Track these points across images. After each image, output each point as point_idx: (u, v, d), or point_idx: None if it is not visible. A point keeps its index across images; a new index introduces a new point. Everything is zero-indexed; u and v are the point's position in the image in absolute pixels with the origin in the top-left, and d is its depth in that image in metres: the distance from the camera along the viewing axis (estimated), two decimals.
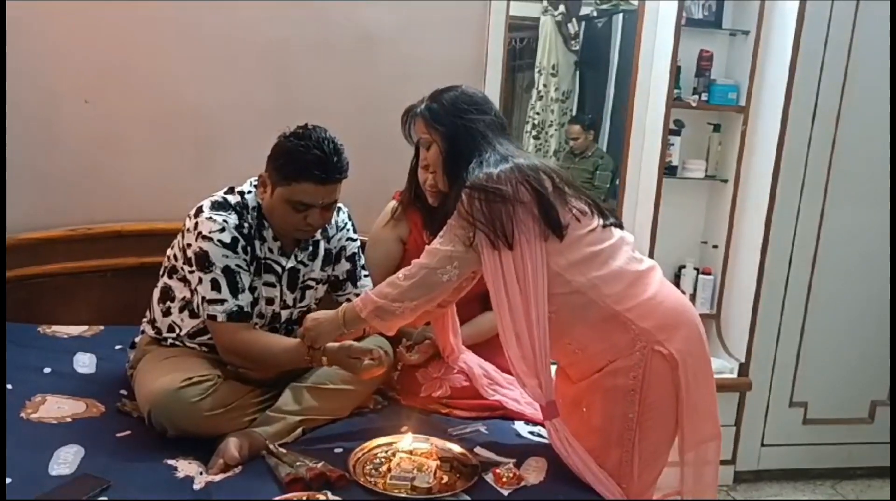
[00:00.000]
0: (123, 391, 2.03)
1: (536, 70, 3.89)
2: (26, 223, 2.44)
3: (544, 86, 3.91)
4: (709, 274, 2.97)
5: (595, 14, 4.13)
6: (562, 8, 4.07)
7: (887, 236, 2.84)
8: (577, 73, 4.19)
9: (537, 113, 3.90)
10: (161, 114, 2.53)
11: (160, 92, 2.52)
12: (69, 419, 1.85)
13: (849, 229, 2.81)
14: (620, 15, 3.97)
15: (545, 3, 3.89)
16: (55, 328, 2.39)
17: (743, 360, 2.82)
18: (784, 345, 2.86)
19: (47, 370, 2.10)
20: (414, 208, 2.24)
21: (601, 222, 1.73)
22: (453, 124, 1.76)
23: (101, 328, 2.42)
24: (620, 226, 1.80)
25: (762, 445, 2.91)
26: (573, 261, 1.67)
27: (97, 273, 2.50)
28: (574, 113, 4.04)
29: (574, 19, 4.21)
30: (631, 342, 1.65)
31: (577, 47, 4.17)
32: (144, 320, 2.08)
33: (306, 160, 1.82)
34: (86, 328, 2.41)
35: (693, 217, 3.05)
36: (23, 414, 1.85)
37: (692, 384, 1.66)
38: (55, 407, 1.90)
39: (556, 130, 3.90)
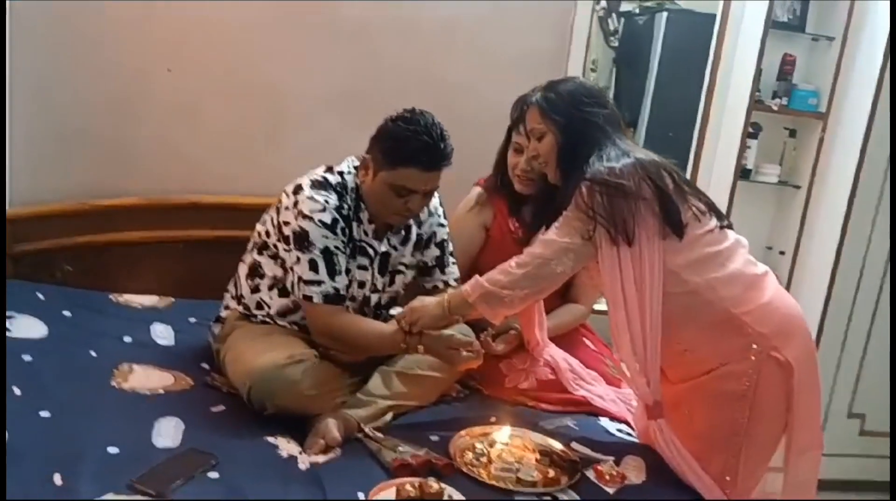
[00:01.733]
0: (205, 365, 2.01)
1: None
2: (103, 190, 2.41)
3: None
4: None
5: (637, 11, 4.09)
6: (603, 3, 4.03)
7: None
8: (615, 69, 4.16)
9: None
10: (239, 88, 2.50)
11: (239, 66, 2.48)
12: (161, 391, 1.83)
13: None
14: (664, 14, 3.94)
15: None
16: (127, 296, 2.36)
17: None
18: (848, 356, 2.84)
19: (127, 339, 2.09)
20: (499, 194, 2.23)
21: (717, 223, 1.71)
22: (572, 116, 1.73)
23: (172, 299, 2.40)
24: (732, 228, 1.77)
25: None
26: (691, 261, 1.64)
27: (170, 244, 2.47)
28: None
29: (614, 15, 4.18)
30: (745, 346, 1.62)
31: (616, 44, 4.14)
32: (228, 295, 2.06)
33: (414, 146, 1.79)
34: (157, 299, 2.39)
35: (760, 222, 3.03)
36: (114, 383, 1.84)
37: (803, 392, 1.64)
38: (144, 378, 1.88)
39: None
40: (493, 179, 2.24)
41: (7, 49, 2.19)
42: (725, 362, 1.65)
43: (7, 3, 2.10)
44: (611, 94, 4.05)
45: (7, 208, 2.25)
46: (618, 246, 1.61)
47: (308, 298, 1.83)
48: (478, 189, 2.27)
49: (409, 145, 1.79)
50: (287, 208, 1.87)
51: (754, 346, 1.62)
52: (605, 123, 1.72)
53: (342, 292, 1.85)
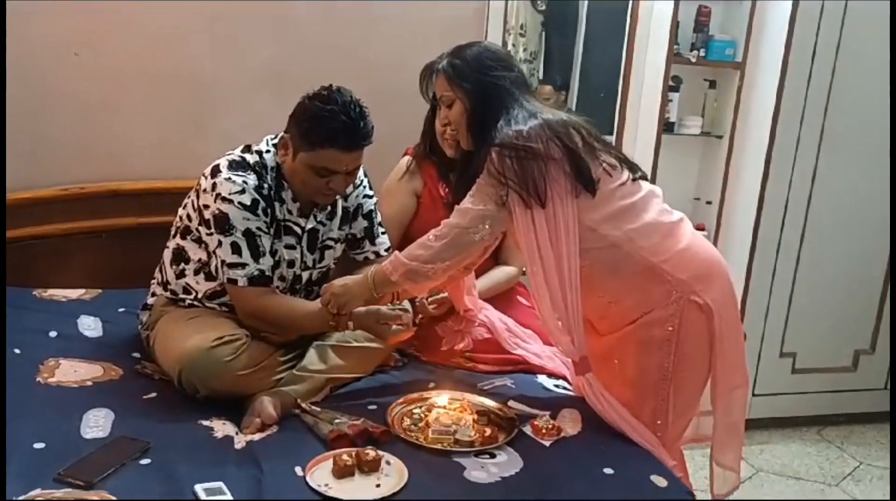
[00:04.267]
0: (136, 354, 1.98)
1: (504, 30, 3.87)
2: (18, 182, 2.33)
3: (513, 46, 3.88)
4: (702, 230, 3.01)
5: None
6: None
7: (876, 193, 2.89)
8: (543, 33, 4.18)
9: None
10: (159, 70, 2.43)
11: (158, 47, 2.42)
12: (90, 383, 1.80)
13: (839, 185, 2.85)
14: None
15: None
16: (52, 291, 2.31)
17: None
18: (776, 298, 2.92)
19: (53, 333, 2.04)
20: (428, 161, 2.23)
21: (630, 175, 1.73)
22: (478, 81, 1.72)
23: (100, 291, 2.35)
24: (647, 178, 1.80)
25: (753, 394, 2.99)
26: (606, 215, 1.67)
27: (92, 234, 2.41)
28: (541, 74, 4.04)
29: None
30: (667, 293, 1.66)
31: (544, 7, 4.16)
32: (154, 281, 2.02)
33: (333, 127, 1.75)
34: (83, 291, 2.34)
35: (686, 173, 3.10)
36: (39, 379, 1.79)
37: (725, 333, 1.69)
38: (71, 371, 1.84)
39: None
40: (422, 146, 2.24)
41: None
42: (649, 310, 1.69)
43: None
44: (541, 58, 4.07)
45: None
46: (531, 209, 1.62)
47: (232, 281, 1.81)
48: (407, 158, 2.27)
49: (327, 126, 1.75)
50: (206, 191, 1.83)
51: (675, 292, 1.66)
52: (512, 85, 1.71)
53: (267, 274, 1.83)
